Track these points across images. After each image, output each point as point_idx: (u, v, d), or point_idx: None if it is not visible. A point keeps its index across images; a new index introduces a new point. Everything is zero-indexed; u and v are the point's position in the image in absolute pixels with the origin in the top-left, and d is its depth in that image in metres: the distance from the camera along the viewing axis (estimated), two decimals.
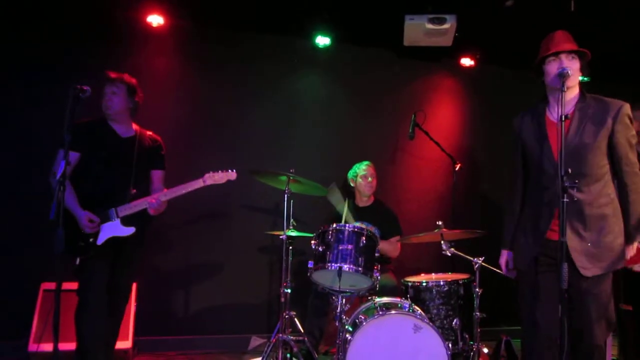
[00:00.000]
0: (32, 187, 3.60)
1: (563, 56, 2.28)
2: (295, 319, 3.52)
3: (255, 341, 4.22)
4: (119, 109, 3.03)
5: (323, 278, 3.01)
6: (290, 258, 3.45)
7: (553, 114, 2.36)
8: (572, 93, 2.35)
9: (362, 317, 2.90)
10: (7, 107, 3.90)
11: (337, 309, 2.93)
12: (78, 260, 2.86)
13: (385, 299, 3.02)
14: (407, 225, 4.13)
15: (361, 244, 2.92)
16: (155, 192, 3.12)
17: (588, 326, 2.23)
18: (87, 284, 2.85)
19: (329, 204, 3.72)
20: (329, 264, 2.88)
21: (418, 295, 3.20)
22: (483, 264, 3.15)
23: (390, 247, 3.86)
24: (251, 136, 4.44)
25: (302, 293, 3.77)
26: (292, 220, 3.53)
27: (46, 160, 2.94)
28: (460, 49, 4.73)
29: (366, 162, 4.08)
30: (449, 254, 3.22)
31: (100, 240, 2.88)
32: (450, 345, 3.00)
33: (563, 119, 2.08)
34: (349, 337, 2.74)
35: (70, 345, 2.87)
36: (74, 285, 2.88)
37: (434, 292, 3.17)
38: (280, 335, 3.25)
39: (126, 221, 2.94)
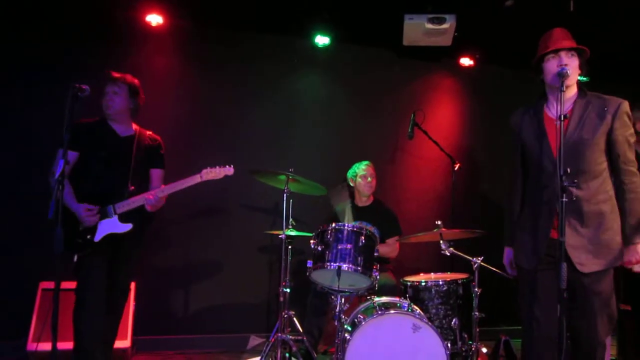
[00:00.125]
0: (32, 186, 3.61)
1: (562, 54, 2.28)
2: (294, 319, 3.52)
3: (254, 340, 4.22)
4: (119, 108, 3.04)
5: (322, 277, 3.01)
6: (289, 257, 3.45)
7: (552, 112, 2.36)
8: (571, 91, 2.35)
9: (361, 317, 2.89)
10: (7, 107, 3.90)
11: (336, 308, 2.93)
12: (76, 258, 2.86)
13: (384, 299, 3.02)
14: (407, 224, 4.13)
15: (360, 244, 2.92)
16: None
17: (590, 322, 2.23)
18: (85, 282, 2.85)
19: (329, 203, 3.73)
20: (328, 264, 2.88)
21: (417, 295, 3.20)
22: (482, 263, 3.15)
23: (388, 249, 3.86)
24: (251, 136, 4.44)
25: (301, 292, 3.77)
26: (291, 219, 3.53)
27: (46, 160, 2.94)
28: (460, 49, 4.74)
29: (365, 162, 4.08)
30: (448, 254, 3.22)
31: (98, 237, 2.88)
32: (449, 344, 2.99)
33: (562, 118, 2.08)
34: (348, 337, 2.74)
35: (69, 345, 2.86)
36: (72, 285, 2.88)
37: (433, 292, 3.17)
38: (279, 334, 3.25)
39: (124, 218, 2.94)
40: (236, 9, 4.17)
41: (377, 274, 2.95)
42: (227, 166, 3.18)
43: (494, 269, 3.28)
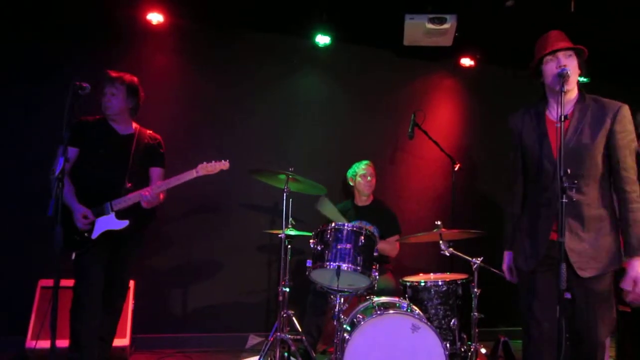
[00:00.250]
0: (31, 185, 3.61)
1: (560, 54, 2.26)
2: (294, 318, 3.52)
3: (253, 340, 4.22)
4: (118, 109, 3.04)
5: (321, 277, 3.01)
6: (288, 257, 3.45)
7: (553, 113, 2.35)
8: (572, 93, 2.33)
9: (360, 317, 2.89)
10: (7, 107, 3.89)
11: (335, 308, 2.93)
12: (74, 255, 2.86)
13: (383, 299, 3.02)
14: (406, 225, 4.14)
15: (360, 243, 2.92)
16: None
17: (590, 324, 2.22)
18: (83, 280, 2.86)
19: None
20: (328, 263, 2.88)
21: (416, 295, 3.20)
22: (482, 264, 3.15)
23: (388, 246, 3.86)
24: (251, 135, 4.43)
25: (300, 292, 3.77)
26: (291, 219, 3.53)
27: (46, 160, 2.95)
28: (460, 49, 4.73)
29: (365, 162, 4.08)
30: (448, 254, 3.22)
31: (95, 234, 2.89)
32: (448, 345, 2.99)
33: (562, 119, 2.08)
34: (347, 337, 2.74)
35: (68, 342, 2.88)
36: (72, 282, 2.89)
37: (432, 292, 3.17)
38: (278, 334, 3.25)
39: (120, 215, 2.94)
40: (237, 8, 4.17)
41: (376, 273, 2.95)
42: (222, 161, 3.17)
43: (494, 270, 3.28)
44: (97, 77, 2.89)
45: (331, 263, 2.87)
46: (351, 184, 4.12)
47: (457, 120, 5.05)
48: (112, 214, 2.93)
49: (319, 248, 2.97)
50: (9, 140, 3.87)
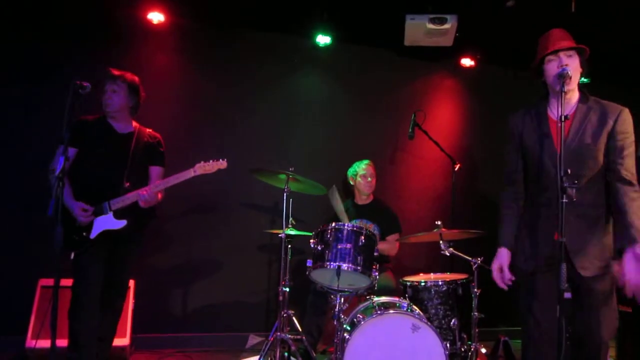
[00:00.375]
0: (31, 184, 3.60)
1: (561, 54, 2.26)
2: (294, 318, 3.51)
3: (253, 339, 4.22)
4: (118, 107, 3.04)
5: (322, 277, 3.01)
6: (289, 257, 3.45)
7: (555, 113, 2.35)
8: (573, 94, 2.33)
9: (361, 317, 2.89)
10: (7, 107, 3.89)
11: (336, 308, 2.93)
12: (72, 255, 2.86)
13: (383, 298, 3.02)
14: (406, 224, 4.14)
15: (360, 243, 2.92)
16: None
17: (594, 324, 2.22)
18: (81, 280, 2.86)
19: (328, 203, 3.72)
20: (328, 263, 2.88)
21: (416, 295, 3.19)
22: (482, 264, 3.14)
23: (388, 246, 3.86)
24: (251, 134, 4.44)
25: (300, 292, 3.77)
26: (291, 218, 3.53)
27: (46, 159, 2.95)
28: (461, 49, 4.73)
29: (366, 162, 4.08)
30: (448, 254, 3.22)
31: (94, 234, 2.89)
32: (448, 345, 2.99)
33: (562, 119, 2.08)
34: (347, 337, 2.74)
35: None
36: (71, 282, 2.88)
37: (433, 292, 3.17)
38: (279, 333, 3.25)
39: (118, 214, 2.94)
40: (237, 7, 4.17)
41: (376, 273, 2.95)
42: (220, 160, 3.17)
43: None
44: (97, 77, 2.88)
45: (331, 263, 2.87)
46: (351, 183, 4.12)
47: (457, 120, 5.05)
48: (110, 214, 2.93)
49: (319, 248, 2.97)
50: (9, 140, 3.87)
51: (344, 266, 2.83)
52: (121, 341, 3.50)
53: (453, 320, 3.13)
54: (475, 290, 3.13)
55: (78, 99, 2.39)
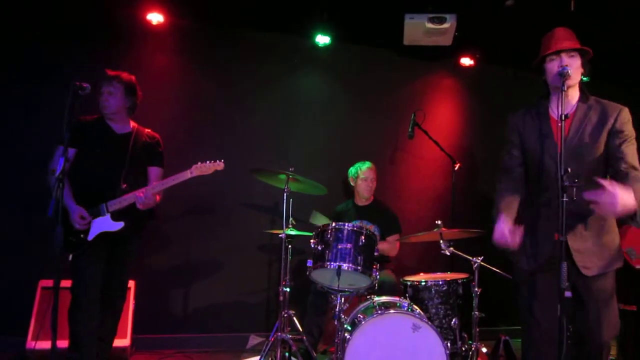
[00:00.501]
0: (31, 185, 3.59)
1: (563, 55, 2.27)
2: (294, 318, 3.51)
3: (254, 340, 4.22)
4: (115, 108, 3.04)
5: (322, 277, 3.01)
6: (289, 257, 3.45)
7: (555, 112, 2.35)
8: (574, 93, 2.34)
9: (361, 316, 2.89)
10: (7, 107, 3.89)
11: (336, 307, 2.93)
12: (71, 257, 2.86)
13: (384, 298, 3.02)
14: (407, 224, 4.14)
15: (360, 243, 2.92)
16: None
17: (596, 324, 2.22)
18: (80, 281, 2.86)
19: (329, 203, 3.73)
20: (328, 263, 2.88)
21: (417, 295, 3.20)
22: (482, 263, 3.15)
23: (388, 246, 3.86)
24: (251, 135, 4.43)
25: (301, 292, 3.77)
26: (291, 219, 3.53)
27: (46, 159, 2.95)
28: (460, 49, 4.73)
29: (368, 165, 4.06)
30: (448, 254, 3.22)
31: (91, 236, 2.88)
32: (448, 344, 3.00)
33: (563, 118, 2.08)
34: (348, 336, 2.74)
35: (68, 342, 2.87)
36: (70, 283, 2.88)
37: (433, 292, 3.17)
38: (279, 334, 3.25)
39: (116, 216, 2.94)
40: (237, 7, 4.17)
41: (377, 273, 2.95)
42: (217, 161, 3.16)
43: (494, 269, 3.28)
44: (97, 77, 2.89)
45: (332, 263, 2.87)
46: (352, 183, 4.11)
47: (457, 120, 5.05)
48: (108, 215, 2.92)
49: (319, 248, 2.97)
50: (9, 140, 3.87)
51: (345, 266, 2.83)
52: (122, 342, 3.50)
53: (454, 320, 3.13)
54: (476, 289, 3.13)
55: (78, 99, 2.39)
